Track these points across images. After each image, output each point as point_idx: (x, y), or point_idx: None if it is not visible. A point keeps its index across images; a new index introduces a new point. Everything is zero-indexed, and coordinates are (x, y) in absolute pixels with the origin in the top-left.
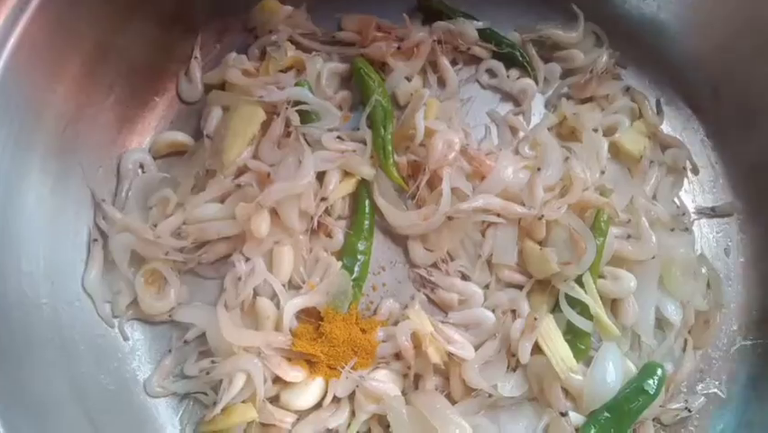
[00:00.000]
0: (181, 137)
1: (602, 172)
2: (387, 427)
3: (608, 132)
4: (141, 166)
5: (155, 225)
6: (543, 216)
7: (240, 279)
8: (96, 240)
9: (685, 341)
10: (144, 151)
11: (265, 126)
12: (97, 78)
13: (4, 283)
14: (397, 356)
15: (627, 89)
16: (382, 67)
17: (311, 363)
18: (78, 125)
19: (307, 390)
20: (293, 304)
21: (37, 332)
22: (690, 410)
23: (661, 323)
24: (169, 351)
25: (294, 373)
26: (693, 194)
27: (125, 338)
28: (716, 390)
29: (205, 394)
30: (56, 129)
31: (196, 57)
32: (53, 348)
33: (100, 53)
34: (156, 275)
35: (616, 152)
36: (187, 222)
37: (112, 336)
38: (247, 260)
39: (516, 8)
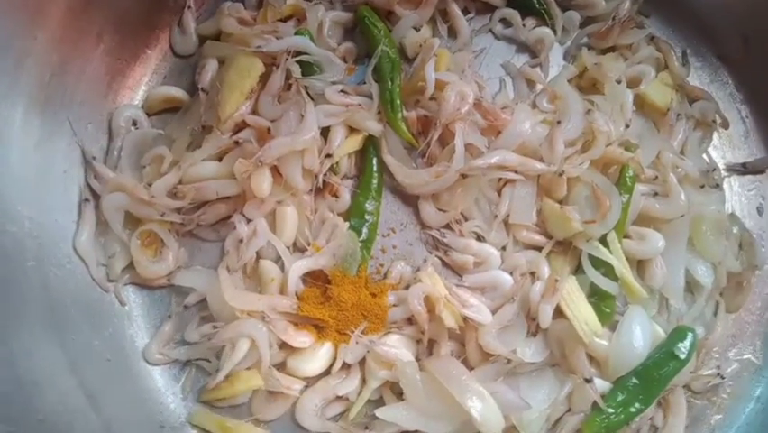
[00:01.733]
0: (175, 92)
1: (627, 126)
2: (399, 394)
3: (632, 83)
4: (134, 122)
5: (149, 185)
6: (563, 172)
7: (241, 241)
8: (87, 200)
9: (717, 304)
10: (137, 107)
11: (264, 79)
12: (83, 26)
13: None
14: (410, 321)
15: (652, 38)
16: (388, 16)
17: (319, 329)
18: (65, 78)
19: (315, 356)
20: (298, 266)
21: (24, 296)
22: (722, 377)
23: (690, 285)
24: (169, 316)
25: (301, 339)
26: (723, 150)
27: (122, 303)
28: (750, 355)
29: (208, 361)
30: (39, 81)
31: (189, 6)
32: (42, 314)
33: None
34: (153, 237)
35: (640, 104)
36: (184, 181)
37: (107, 302)
38: (248, 221)
39: None
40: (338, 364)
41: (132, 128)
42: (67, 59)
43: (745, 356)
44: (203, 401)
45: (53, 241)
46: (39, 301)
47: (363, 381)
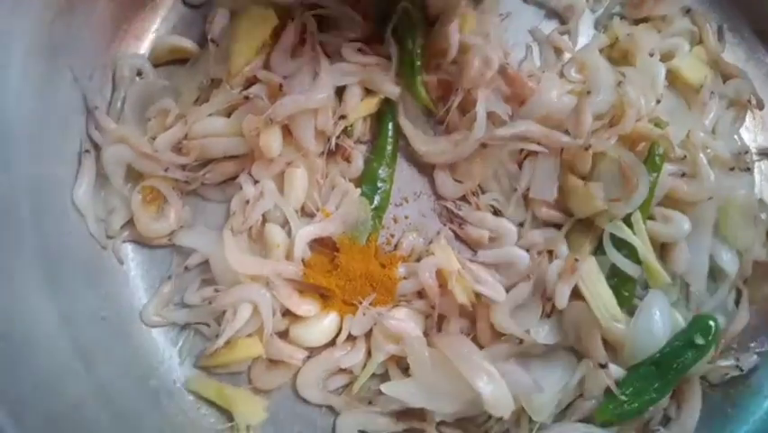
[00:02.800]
0: (185, 43)
1: (658, 101)
2: (406, 369)
3: (665, 57)
4: (140, 72)
5: (153, 138)
6: (590, 146)
7: (248, 202)
8: (87, 151)
9: (739, 293)
10: (143, 56)
11: (277, 33)
12: None
13: None
14: (420, 295)
15: (687, 11)
16: None
17: (324, 298)
18: (69, 21)
19: (320, 325)
20: (306, 232)
21: (18, 250)
22: (741, 369)
23: (713, 272)
24: (169, 277)
25: (306, 307)
26: (755, 132)
27: (120, 262)
28: None
29: (207, 326)
30: (41, 23)
31: None
32: (37, 270)
33: None
34: (155, 194)
35: (672, 80)
36: (189, 137)
37: (105, 259)
38: (256, 182)
39: None
40: (343, 336)
41: (137, 78)
42: (71, 4)
43: (766, 348)
44: (200, 367)
45: (51, 192)
46: (34, 257)
47: (368, 354)
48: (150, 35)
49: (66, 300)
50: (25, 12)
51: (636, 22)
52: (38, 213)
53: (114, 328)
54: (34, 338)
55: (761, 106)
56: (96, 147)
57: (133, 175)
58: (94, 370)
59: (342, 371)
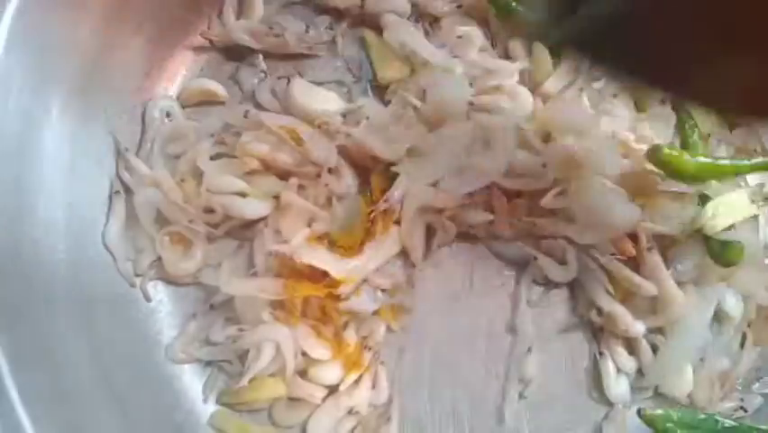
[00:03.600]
0: (212, 85)
1: None
2: None
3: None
4: (168, 114)
5: (182, 180)
6: None
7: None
8: (117, 192)
9: (743, 336)
10: (171, 98)
11: None
12: (126, 15)
13: (21, 234)
14: None
15: None
16: None
17: (338, 344)
18: (104, 67)
19: (337, 363)
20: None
21: (56, 288)
22: (745, 410)
23: (718, 315)
24: (194, 315)
25: (321, 351)
26: (760, 177)
27: (148, 299)
28: None
29: (230, 363)
30: (80, 69)
31: None
32: (72, 306)
33: None
34: (181, 234)
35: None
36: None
37: (133, 296)
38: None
39: None
40: (348, 381)
41: (166, 120)
42: (107, 49)
43: None
44: (224, 403)
45: (84, 232)
46: (69, 294)
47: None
48: (179, 77)
49: (96, 336)
50: (67, 61)
51: None
52: (73, 252)
53: (142, 363)
54: (66, 371)
55: (766, 154)
56: (126, 188)
57: (161, 217)
58: (122, 404)
59: (350, 413)
